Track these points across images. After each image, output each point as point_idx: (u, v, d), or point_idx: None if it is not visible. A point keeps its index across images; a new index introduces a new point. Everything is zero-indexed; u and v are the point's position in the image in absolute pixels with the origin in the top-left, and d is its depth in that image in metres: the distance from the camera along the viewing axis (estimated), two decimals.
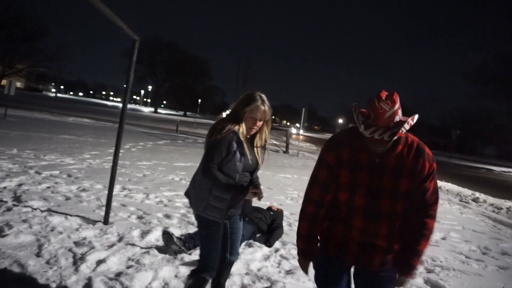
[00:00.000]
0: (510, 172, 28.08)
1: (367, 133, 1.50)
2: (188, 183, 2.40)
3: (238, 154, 2.15)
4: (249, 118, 2.17)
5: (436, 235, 5.09)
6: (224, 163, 2.15)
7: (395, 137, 1.47)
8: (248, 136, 2.24)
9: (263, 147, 2.34)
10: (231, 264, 2.43)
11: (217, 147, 2.11)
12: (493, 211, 8.33)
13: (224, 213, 2.19)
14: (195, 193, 2.22)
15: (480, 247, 4.78)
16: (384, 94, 1.51)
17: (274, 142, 22.09)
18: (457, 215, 7.03)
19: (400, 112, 1.54)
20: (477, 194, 10.05)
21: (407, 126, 1.51)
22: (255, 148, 2.28)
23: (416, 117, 1.56)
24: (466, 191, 10.59)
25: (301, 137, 22.75)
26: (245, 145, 2.17)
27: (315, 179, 1.74)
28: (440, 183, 11.72)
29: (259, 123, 2.21)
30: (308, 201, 1.76)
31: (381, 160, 1.61)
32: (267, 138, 2.33)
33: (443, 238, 5.00)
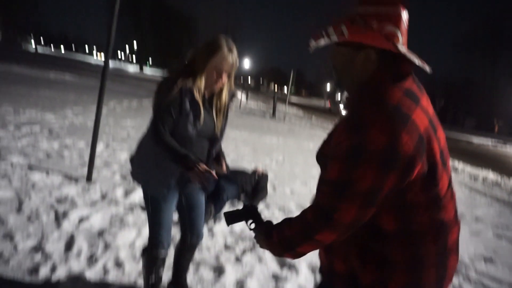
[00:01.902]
0: (488, 145, 28.91)
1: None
2: None
3: (191, 116, 1.71)
4: (211, 71, 1.69)
5: None
6: (174, 126, 1.71)
7: None
8: (206, 94, 1.79)
9: (225, 109, 1.88)
10: (192, 246, 2.08)
11: (166, 107, 1.66)
12: (470, 180, 8.64)
13: (170, 187, 1.80)
14: (138, 161, 1.86)
15: None
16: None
17: (261, 105, 21.96)
18: None
19: None
20: (456, 164, 10.35)
21: None
22: (214, 109, 1.84)
23: None
24: None
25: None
26: (201, 105, 1.73)
27: (376, 193, 0.96)
28: None
29: (225, 77, 1.74)
30: (340, 231, 1.01)
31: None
32: (228, 97, 1.87)
33: None
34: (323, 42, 1.10)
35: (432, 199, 1.01)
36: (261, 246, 1.26)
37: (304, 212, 1.09)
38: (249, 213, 1.41)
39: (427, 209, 1.01)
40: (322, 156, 1.13)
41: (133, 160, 1.91)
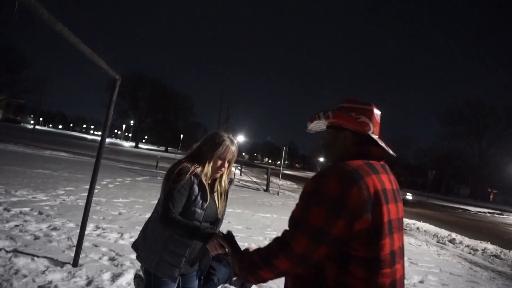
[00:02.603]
0: (484, 212, 28.71)
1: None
2: None
3: (199, 200, 1.87)
4: (217, 159, 1.93)
5: (414, 278, 5.09)
6: (183, 211, 1.84)
7: None
8: (209, 181, 1.99)
9: (226, 193, 2.09)
10: None
11: (177, 191, 1.80)
12: (469, 253, 8.42)
13: (178, 271, 1.87)
14: (146, 245, 1.92)
15: None
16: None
17: (255, 180, 22.04)
18: (435, 257, 7.07)
19: None
20: (454, 235, 10.17)
21: None
22: (216, 193, 2.03)
23: None
24: (443, 232, 10.71)
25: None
26: (207, 190, 1.92)
27: (324, 233, 1.15)
28: (418, 224, 11.85)
29: (227, 165, 1.98)
30: (293, 260, 1.19)
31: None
32: (227, 181, 2.09)
33: (421, 282, 4.99)
34: (315, 123, 1.48)
35: (372, 259, 1.16)
36: (234, 269, 1.41)
37: (271, 241, 1.28)
38: (228, 240, 1.59)
39: (366, 267, 1.16)
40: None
41: (139, 244, 1.99)
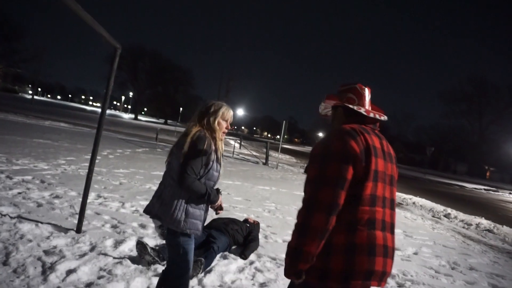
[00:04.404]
0: (480, 189, 29.09)
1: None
2: None
3: (215, 164, 2.15)
4: (221, 122, 2.22)
5: (408, 250, 5.23)
6: (203, 174, 2.11)
7: None
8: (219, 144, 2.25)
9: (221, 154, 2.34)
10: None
11: (199, 156, 2.04)
12: (463, 227, 8.61)
13: (202, 224, 2.17)
14: (167, 210, 2.10)
15: (450, 262, 4.92)
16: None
17: (254, 153, 22.14)
18: (429, 230, 7.23)
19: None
20: (449, 210, 10.36)
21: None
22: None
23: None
24: (439, 207, 10.90)
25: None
26: (220, 153, 2.18)
27: (329, 206, 1.40)
28: (414, 199, 12.04)
29: (229, 126, 2.29)
30: (318, 235, 1.41)
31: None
32: (223, 145, 2.34)
33: (415, 253, 5.13)
34: (323, 107, 1.88)
35: (354, 195, 1.44)
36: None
37: (296, 218, 1.48)
38: None
39: (350, 201, 1.44)
40: (308, 168, 1.58)
41: (158, 211, 2.16)
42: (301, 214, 1.44)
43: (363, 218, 1.44)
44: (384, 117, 1.69)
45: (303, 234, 1.41)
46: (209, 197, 2.11)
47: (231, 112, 2.28)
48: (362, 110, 1.63)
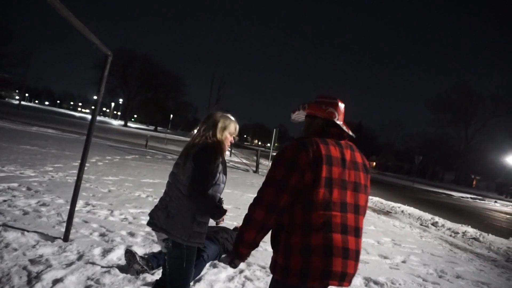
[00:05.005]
0: (467, 197, 29.51)
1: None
2: (156, 200, 2.33)
3: (222, 176, 2.19)
4: (228, 136, 2.28)
5: (397, 258, 5.27)
6: (211, 186, 2.12)
7: None
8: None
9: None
10: None
11: (210, 169, 2.07)
12: (450, 235, 8.72)
13: (204, 236, 2.21)
14: (175, 224, 2.10)
15: (437, 271, 4.98)
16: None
17: (245, 161, 22.13)
18: (417, 238, 7.31)
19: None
20: (437, 219, 10.48)
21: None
22: None
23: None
24: (427, 216, 11.02)
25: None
26: (225, 165, 2.26)
27: (269, 205, 1.62)
28: (403, 207, 12.16)
29: (233, 139, 2.37)
30: (256, 227, 1.65)
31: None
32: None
33: (403, 261, 5.18)
34: (296, 114, 1.95)
35: (307, 201, 1.59)
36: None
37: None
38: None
39: (303, 206, 1.59)
40: None
41: (163, 224, 2.13)
42: (249, 207, 1.68)
43: (318, 222, 1.57)
44: (353, 134, 1.87)
45: (245, 224, 1.67)
46: (218, 211, 2.11)
47: (238, 126, 2.36)
48: (344, 127, 1.80)
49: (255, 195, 1.70)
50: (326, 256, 1.54)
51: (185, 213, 2.10)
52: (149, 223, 2.23)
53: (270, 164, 1.79)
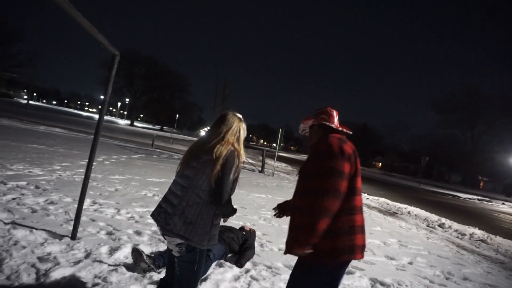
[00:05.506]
0: (473, 199, 29.24)
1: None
2: (161, 199, 2.26)
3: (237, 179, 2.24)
4: (242, 140, 2.33)
5: (403, 260, 5.24)
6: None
7: None
8: None
9: None
10: None
11: (233, 174, 2.12)
12: (457, 237, 8.64)
13: (217, 237, 2.23)
14: (195, 230, 2.05)
15: (444, 272, 4.94)
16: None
17: (250, 161, 22.13)
18: (424, 240, 7.26)
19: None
20: (443, 220, 10.40)
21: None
22: None
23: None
24: (433, 217, 10.95)
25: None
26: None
27: (337, 192, 1.84)
28: (409, 208, 12.08)
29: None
30: (328, 215, 1.83)
31: None
32: None
33: (410, 263, 5.14)
34: (302, 128, 2.37)
35: (353, 187, 1.94)
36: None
37: (301, 204, 1.97)
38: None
39: (350, 192, 1.92)
40: (301, 171, 2.08)
41: (180, 230, 2.05)
42: (312, 200, 1.83)
43: (358, 206, 1.97)
44: (350, 132, 2.22)
45: (316, 215, 1.80)
46: (235, 213, 2.17)
47: (246, 130, 2.37)
48: (333, 125, 2.15)
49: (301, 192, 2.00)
50: (363, 233, 1.97)
51: (205, 219, 2.08)
52: (163, 230, 2.11)
53: (316, 158, 1.96)
